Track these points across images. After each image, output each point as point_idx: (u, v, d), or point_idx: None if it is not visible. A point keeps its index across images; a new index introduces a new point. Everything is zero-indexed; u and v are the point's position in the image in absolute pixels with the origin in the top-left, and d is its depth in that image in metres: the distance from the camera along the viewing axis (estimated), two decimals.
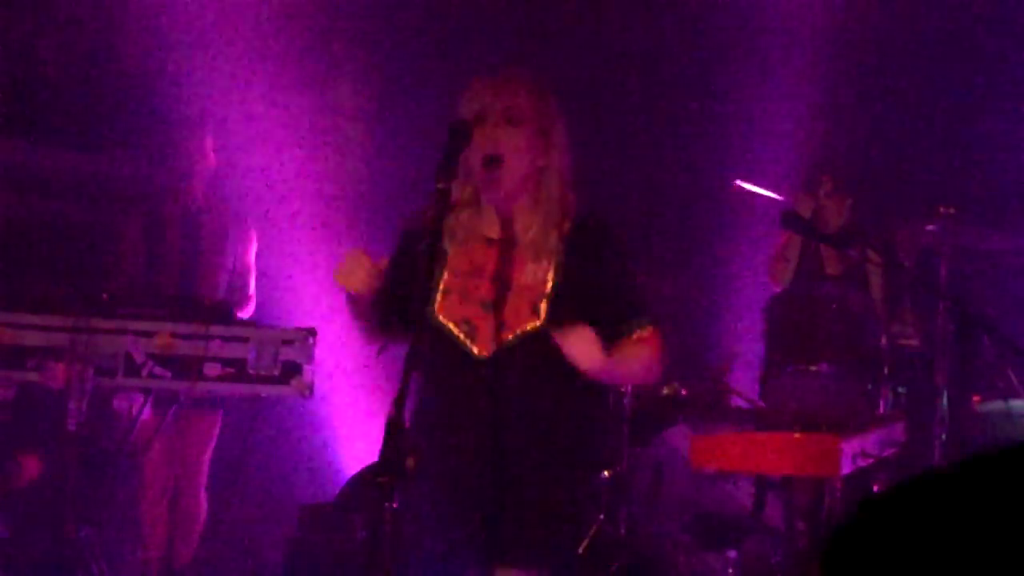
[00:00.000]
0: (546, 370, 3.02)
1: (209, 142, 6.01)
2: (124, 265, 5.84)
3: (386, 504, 2.39)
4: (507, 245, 3.12)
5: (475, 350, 3.05)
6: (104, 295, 4.65)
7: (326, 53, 7.43)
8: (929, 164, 6.96)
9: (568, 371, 3.00)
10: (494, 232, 3.14)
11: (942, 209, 5.54)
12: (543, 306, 3.05)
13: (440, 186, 2.88)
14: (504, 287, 3.08)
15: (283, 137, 7.14)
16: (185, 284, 5.79)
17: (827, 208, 6.16)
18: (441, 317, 3.06)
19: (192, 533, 5.83)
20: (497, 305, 3.06)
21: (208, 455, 5.88)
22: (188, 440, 5.76)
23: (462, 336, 3.05)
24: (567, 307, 3.05)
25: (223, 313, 4.75)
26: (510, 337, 3.04)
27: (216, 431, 5.87)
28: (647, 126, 7.42)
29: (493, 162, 3.01)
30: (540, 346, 3.02)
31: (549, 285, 3.07)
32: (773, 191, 6.57)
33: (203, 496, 5.91)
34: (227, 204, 6.10)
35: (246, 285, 6.01)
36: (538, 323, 3.04)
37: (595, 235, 3.12)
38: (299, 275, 7.04)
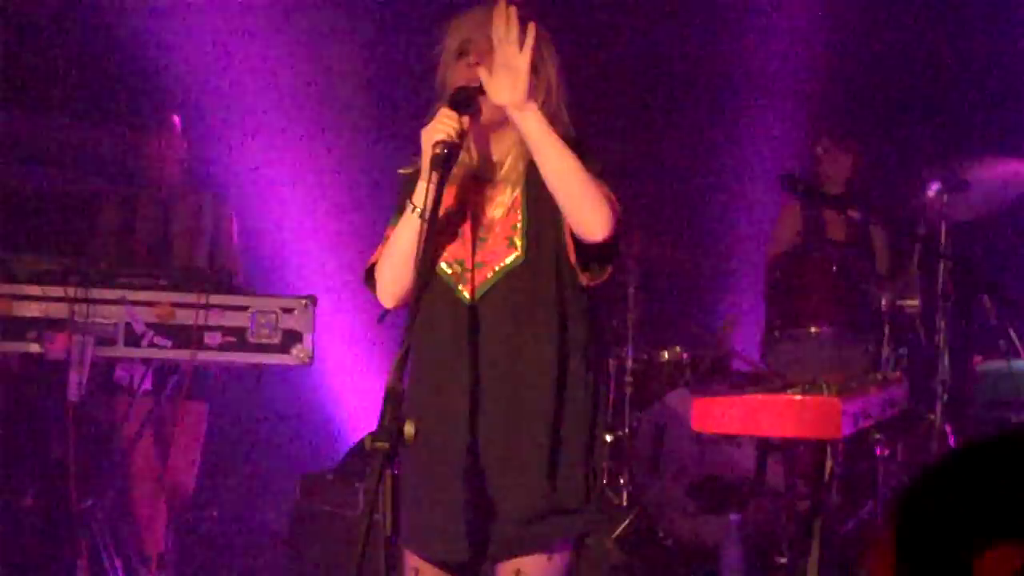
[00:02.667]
0: (530, 308, 2.94)
1: (177, 125, 5.95)
2: (97, 249, 5.80)
3: (386, 471, 2.37)
4: (488, 183, 3.03)
5: (463, 291, 2.96)
6: (103, 264, 4.64)
7: (323, 21, 7.40)
8: (929, 125, 6.94)
9: (556, 310, 2.95)
10: (474, 165, 3.03)
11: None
12: (518, 239, 2.96)
13: (439, 151, 2.78)
14: (481, 224, 2.99)
15: (280, 104, 7.12)
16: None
17: (827, 165, 6.15)
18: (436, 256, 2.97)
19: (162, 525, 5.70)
20: (477, 243, 2.97)
21: (199, 446, 5.77)
22: (173, 432, 5.65)
23: (454, 278, 2.97)
24: (543, 233, 2.96)
25: (223, 282, 4.74)
26: (489, 275, 2.95)
27: (203, 422, 5.77)
28: (645, 90, 7.39)
29: (476, 94, 2.90)
30: (522, 282, 2.94)
31: (520, 214, 2.98)
32: (773, 152, 6.56)
33: (192, 485, 5.79)
34: (203, 189, 6.05)
35: (234, 269, 5.95)
36: (516, 254, 2.95)
37: None
38: (299, 243, 7.04)
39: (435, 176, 2.77)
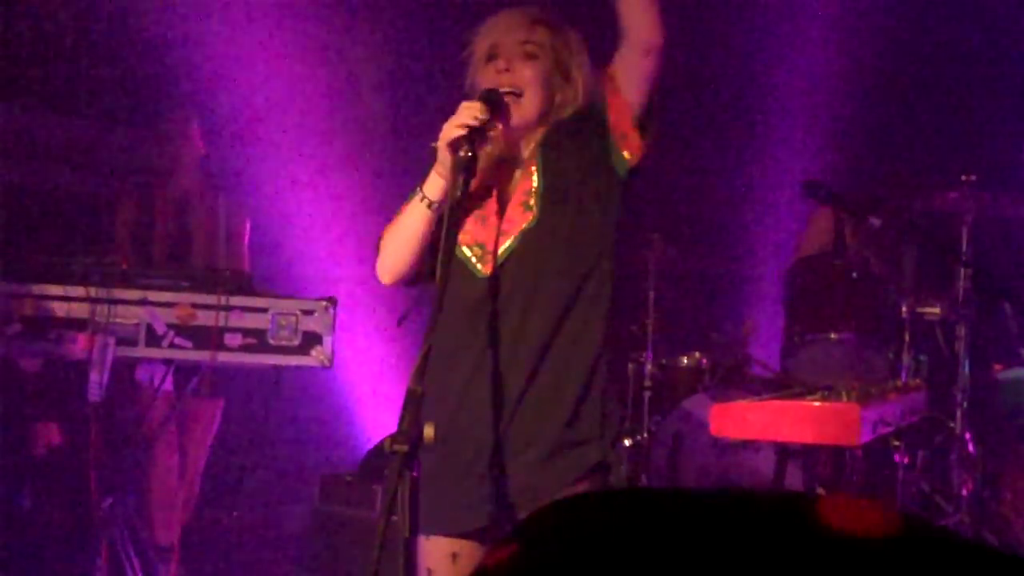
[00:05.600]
0: (543, 267, 2.95)
1: (195, 128, 5.97)
2: (116, 251, 5.82)
3: (405, 473, 2.37)
4: (511, 164, 3.05)
5: (480, 268, 2.97)
6: (124, 265, 4.66)
7: (342, 21, 7.41)
8: (951, 131, 6.92)
9: (571, 265, 2.96)
10: (502, 153, 3.06)
11: (963, 176, 5.51)
12: (534, 202, 2.98)
13: (463, 155, 2.75)
14: (504, 202, 3.01)
15: (300, 106, 7.14)
16: None
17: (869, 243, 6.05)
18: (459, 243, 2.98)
19: (178, 516, 5.76)
20: (502, 222, 2.99)
21: (209, 442, 5.84)
22: (190, 428, 5.73)
23: (474, 260, 2.98)
24: (559, 191, 2.98)
25: (243, 284, 4.75)
26: (507, 243, 2.96)
27: (218, 419, 5.83)
28: (667, 96, 7.38)
29: (504, 97, 2.92)
30: (537, 242, 2.95)
31: (534, 178, 3.00)
32: (794, 158, 6.55)
33: (198, 482, 5.85)
34: (218, 192, 6.07)
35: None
36: (531, 217, 2.96)
37: (571, 121, 3.02)
38: (319, 245, 7.05)
39: (456, 177, 2.76)
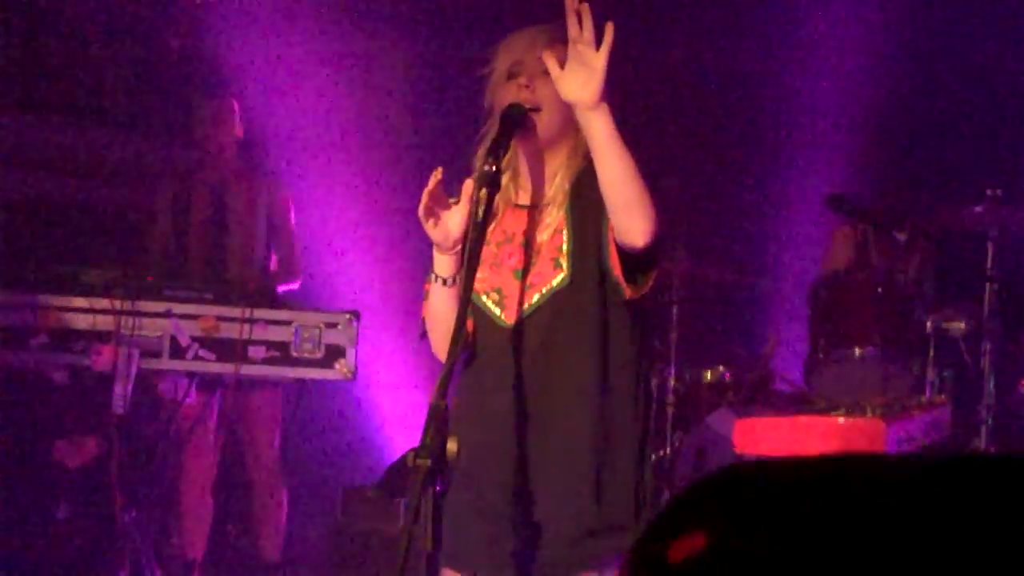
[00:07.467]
0: (573, 327, 2.94)
1: (235, 110, 5.98)
2: (155, 242, 5.85)
3: (428, 488, 2.37)
4: (535, 209, 3.04)
5: (503, 317, 2.98)
6: (149, 277, 4.68)
7: (370, 33, 7.42)
8: (977, 145, 6.89)
9: (600, 328, 2.94)
10: (525, 198, 3.05)
11: (989, 191, 5.48)
12: (564, 260, 2.97)
13: (487, 168, 2.76)
14: (531, 251, 3.00)
15: (323, 121, 7.15)
16: (213, 259, 5.78)
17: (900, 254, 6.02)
18: (475, 289, 2.95)
19: (274, 525, 5.74)
20: (525, 271, 2.99)
21: (274, 438, 5.81)
22: (248, 425, 5.71)
23: (492, 306, 2.99)
24: (587, 252, 2.96)
25: (267, 296, 4.77)
26: (536, 298, 2.96)
27: (278, 411, 5.80)
28: (692, 111, 7.38)
29: (527, 112, 2.91)
30: (567, 302, 2.94)
31: (565, 235, 2.98)
32: (819, 173, 6.53)
33: (280, 485, 5.82)
34: (258, 175, 6.08)
35: (292, 253, 5.99)
36: (562, 275, 2.95)
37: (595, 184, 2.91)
38: (342, 258, 7.06)
39: (479, 192, 2.78)
